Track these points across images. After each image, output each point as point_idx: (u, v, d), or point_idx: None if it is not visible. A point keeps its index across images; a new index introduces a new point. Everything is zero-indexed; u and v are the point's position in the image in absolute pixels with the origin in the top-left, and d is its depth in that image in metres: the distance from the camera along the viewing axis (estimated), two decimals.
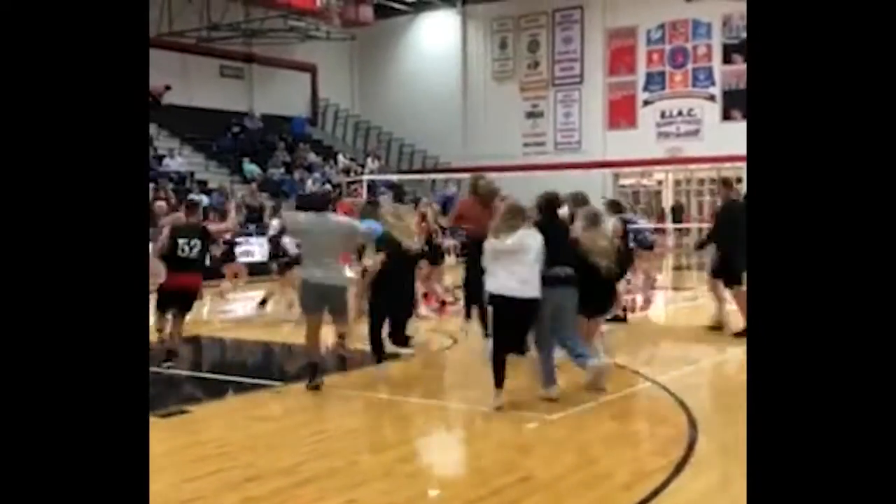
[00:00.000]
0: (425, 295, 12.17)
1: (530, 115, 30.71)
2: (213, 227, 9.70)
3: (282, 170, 26.11)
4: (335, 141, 31.42)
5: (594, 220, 7.54)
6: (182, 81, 26.13)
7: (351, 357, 7.96)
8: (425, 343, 9.57)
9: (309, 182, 25.80)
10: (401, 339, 8.67)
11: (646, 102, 28.96)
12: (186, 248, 8.38)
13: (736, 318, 10.07)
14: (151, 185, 20.16)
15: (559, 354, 7.09)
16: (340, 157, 28.99)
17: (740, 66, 25.72)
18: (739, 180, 24.86)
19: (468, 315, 9.44)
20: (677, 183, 29.72)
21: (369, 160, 28.79)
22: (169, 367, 8.27)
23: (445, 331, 10.63)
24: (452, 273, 14.17)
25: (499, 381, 6.65)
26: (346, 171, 27.70)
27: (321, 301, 7.28)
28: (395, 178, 27.61)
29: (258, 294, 13.32)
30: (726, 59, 27.35)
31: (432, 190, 28.11)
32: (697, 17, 27.77)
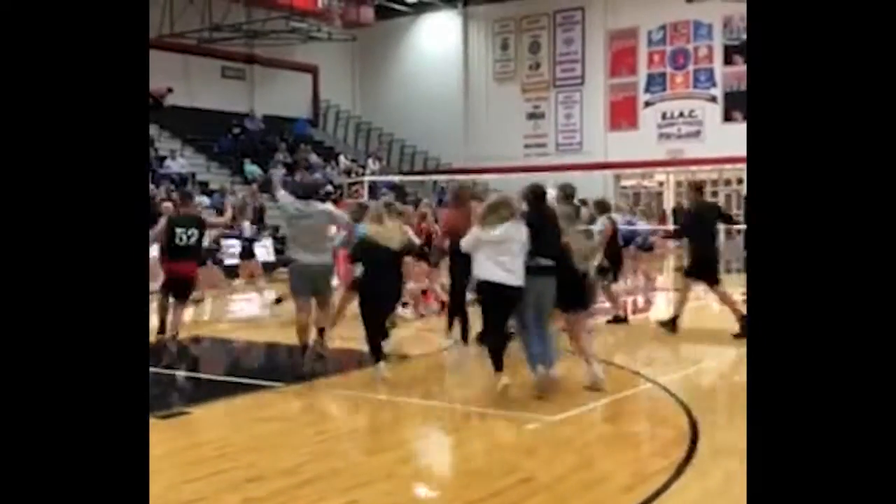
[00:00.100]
0: (424, 293, 12.17)
1: (531, 116, 30.71)
2: (211, 219, 9.89)
3: (283, 171, 26.11)
4: (336, 142, 31.43)
5: (570, 220, 7.63)
6: (183, 82, 26.14)
7: (329, 355, 8.02)
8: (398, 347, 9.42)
9: (322, 189, 25.80)
10: (377, 339, 8.62)
11: (647, 104, 28.95)
12: (184, 237, 8.68)
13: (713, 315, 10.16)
14: (160, 187, 20.18)
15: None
16: (342, 158, 28.99)
17: (741, 68, 25.70)
18: (740, 181, 24.89)
19: (451, 325, 9.21)
20: (678, 184, 29.68)
21: (370, 161, 28.80)
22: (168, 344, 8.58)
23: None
24: None
25: (498, 365, 6.82)
26: (348, 173, 27.70)
27: (310, 283, 7.62)
28: (396, 179, 27.62)
29: (269, 293, 13.33)
30: (727, 61, 27.35)
31: (434, 191, 28.14)
32: (698, 19, 27.76)
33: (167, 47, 24.25)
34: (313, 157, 27.81)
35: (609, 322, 11.28)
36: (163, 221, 9.07)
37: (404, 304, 12.00)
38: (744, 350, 7.25)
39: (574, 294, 7.31)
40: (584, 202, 9.95)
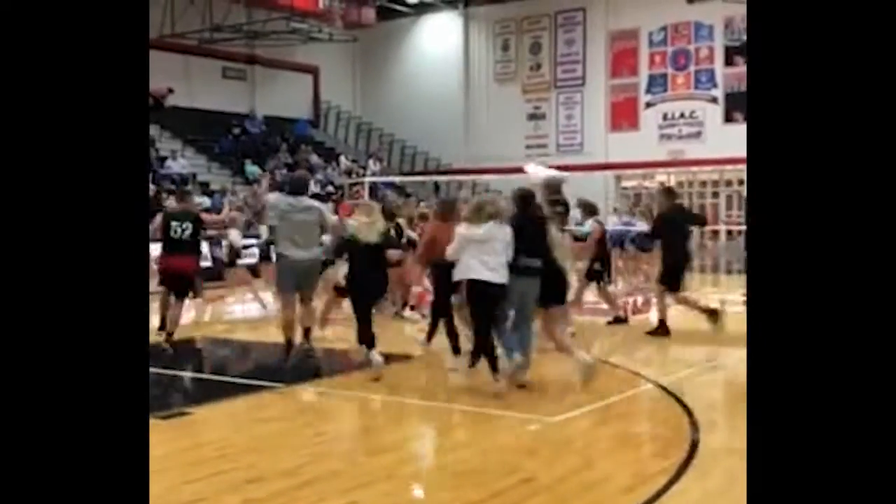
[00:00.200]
0: (421, 294, 12.17)
1: (532, 116, 30.69)
2: (208, 217, 9.96)
3: (284, 171, 26.12)
4: (337, 143, 31.42)
5: (552, 220, 7.78)
6: (184, 83, 26.13)
7: (316, 355, 8.04)
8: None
9: (311, 183, 25.79)
10: (366, 332, 8.62)
11: (648, 104, 28.93)
12: (179, 230, 8.74)
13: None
14: (160, 188, 20.18)
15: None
16: (342, 159, 28.99)
17: (742, 69, 25.67)
18: (741, 182, 24.90)
19: (430, 339, 8.99)
20: (679, 185, 29.63)
21: (371, 162, 28.78)
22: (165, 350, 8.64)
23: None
24: None
25: (494, 366, 7.03)
26: (348, 173, 27.69)
27: (295, 279, 7.67)
28: (396, 179, 27.61)
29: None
30: (728, 62, 27.32)
31: (435, 192, 28.12)
32: (699, 20, 27.74)
33: (168, 48, 24.24)
34: (314, 158, 27.81)
35: (609, 323, 11.29)
36: (159, 217, 9.09)
37: (412, 307, 12.02)
38: (744, 351, 7.25)
39: (552, 289, 7.41)
40: (565, 204, 9.92)
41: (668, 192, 11.35)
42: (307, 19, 26.25)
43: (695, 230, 13.48)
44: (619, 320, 11.39)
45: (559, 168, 16.63)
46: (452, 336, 8.45)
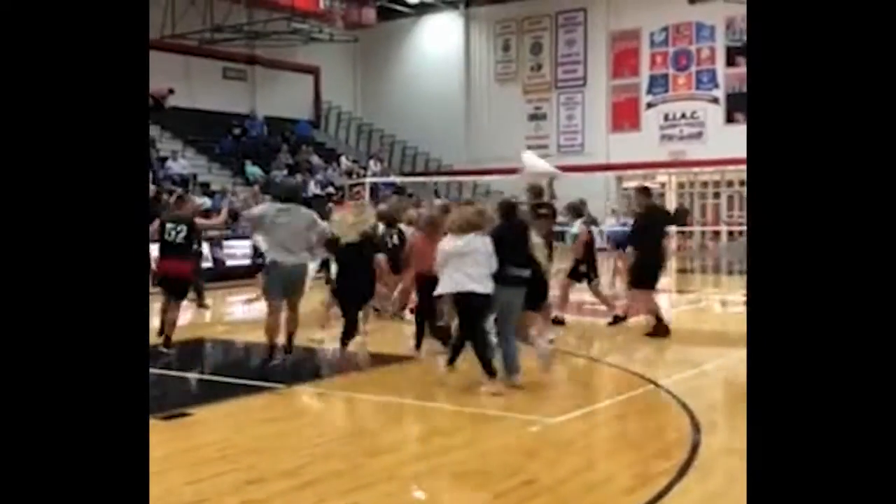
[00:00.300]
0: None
1: (533, 117, 30.71)
2: (203, 221, 10.06)
3: (285, 172, 26.12)
4: (338, 143, 31.43)
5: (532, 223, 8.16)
6: (185, 83, 26.14)
7: (296, 359, 8.11)
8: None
9: (311, 184, 25.80)
10: (350, 329, 8.77)
11: (649, 105, 28.94)
12: (173, 233, 8.89)
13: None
14: (161, 188, 20.18)
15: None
16: (343, 160, 28.99)
17: (744, 69, 25.67)
18: (742, 183, 24.91)
19: (419, 346, 9.00)
20: (681, 186, 29.67)
21: (372, 162, 28.78)
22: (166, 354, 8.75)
23: None
24: None
25: (490, 371, 7.17)
26: (349, 174, 27.69)
27: (283, 284, 7.79)
28: (397, 180, 27.61)
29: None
30: (730, 62, 27.33)
31: (434, 195, 28.11)
32: (701, 20, 27.75)
33: (168, 48, 24.25)
34: (315, 159, 27.82)
35: (610, 324, 11.20)
36: (156, 223, 9.21)
37: (412, 310, 12.01)
38: (745, 352, 7.24)
39: (531, 294, 7.57)
40: (550, 207, 9.98)
41: (643, 191, 11.37)
42: (308, 20, 26.26)
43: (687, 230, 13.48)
44: (619, 319, 11.28)
45: (559, 168, 16.63)
46: (441, 335, 8.60)
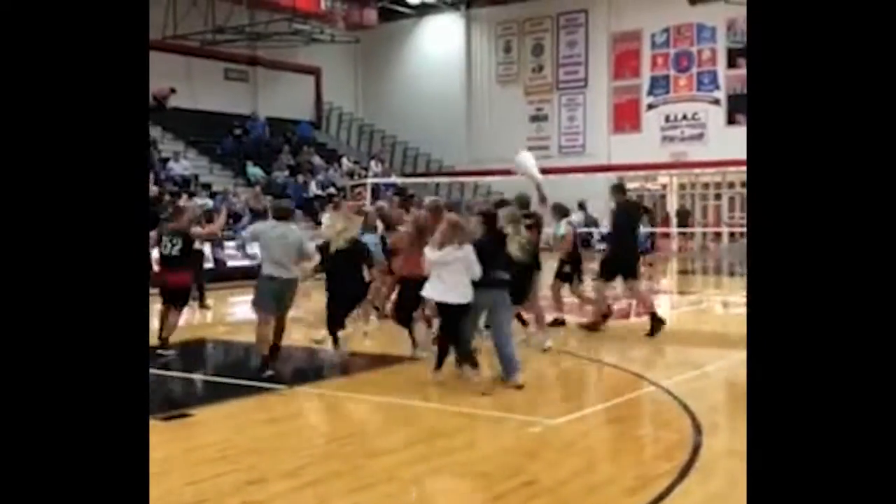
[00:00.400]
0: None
1: (534, 118, 30.71)
2: (199, 230, 10.37)
3: (286, 173, 26.14)
4: (339, 144, 31.43)
5: (513, 221, 8.39)
6: (186, 84, 26.16)
7: (277, 370, 8.19)
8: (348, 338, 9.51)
9: (312, 185, 25.81)
10: (333, 327, 8.96)
11: (650, 106, 28.94)
12: (168, 246, 9.33)
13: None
14: (163, 189, 20.20)
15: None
16: (344, 161, 28.99)
17: (745, 71, 25.64)
18: (744, 184, 24.92)
19: (415, 344, 9.11)
20: (682, 187, 29.68)
21: (373, 163, 28.78)
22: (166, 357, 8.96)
23: None
24: None
25: (473, 363, 7.52)
26: (350, 175, 27.71)
27: (277, 298, 8.24)
28: (398, 181, 27.61)
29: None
30: (731, 64, 27.32)
31: (437, 194, 28.11)
32: (702, 21, 27.75)
33: (170, 49, 24.27)
34: (316, 160, 27.82)
35: (582, 326, 10.97)
36: (154, 234, 9.69)
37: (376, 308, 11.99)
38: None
39: (515, 289, 8.04)
40: (535, 217, 10.11)
41: (618, 188, 11.48)
42: (309, 21, 26.26)
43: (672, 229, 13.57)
44: (591, 327, 10.98)
45: (560, 170, 16.64)
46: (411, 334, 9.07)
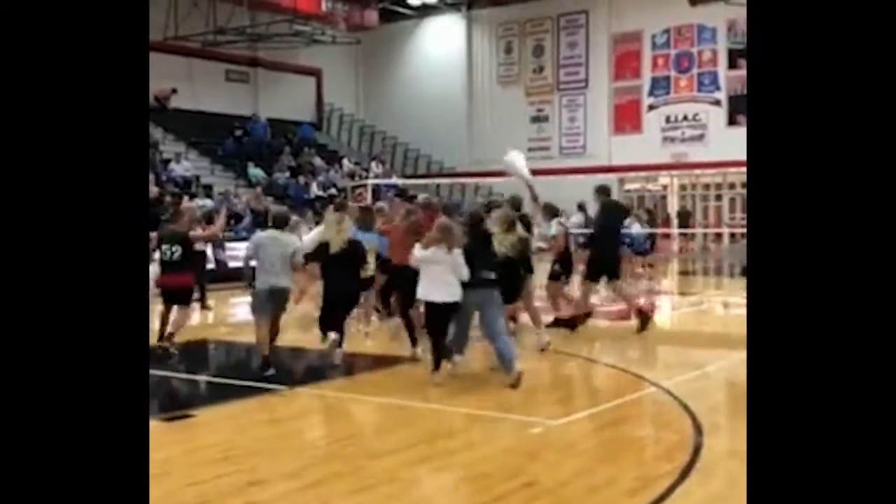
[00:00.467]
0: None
1: (535, 119, 30.71)
2: (198, 233, 10.52)
3: (287, 174, 26.14)
4: (340, 145, 31.43)
5: (506, 223, 8.69)
6: (188, 86, 26.17)
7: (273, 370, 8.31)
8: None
9: (314, 186, 25.81)
10: (336, 326, 8.91)
11: (651, 107, 28.93)
12: (168, 253, 9.55)
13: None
14: (164, 190, 20.20)
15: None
16: (345, 162, 29.00)
17: (745, 72, 25.64)
18: (745, 185, 24.97)
19: (415, 342, 9.08)
20: (682, 188, 29.68)
21: (374, 164, 28.77)
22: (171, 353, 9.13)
23: None
24: None
25: (446, 356, 7.81)
26: (351, 176, 27.71)
27: (270, 304, 8.53)
28: (399, 182, 27.61)
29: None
30: (731, 64, 27.31)
31: (438, 196, 28.12)
32: (703, 22, 27.73)
33: (171, 50, 24.28)
34: (317, 161, 27.83)
35: (553, 324, 10.83)
36: (154, 237, 9.83)
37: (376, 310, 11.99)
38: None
39: (506, 288, 8.21)
40: (525, 219, 10.19)
41: (602, 190, 11.59)
42: (310, 22, 26.27)
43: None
44: (567, 323, 10.95)
45: (560, 171, 16.62)
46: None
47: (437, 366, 7.76)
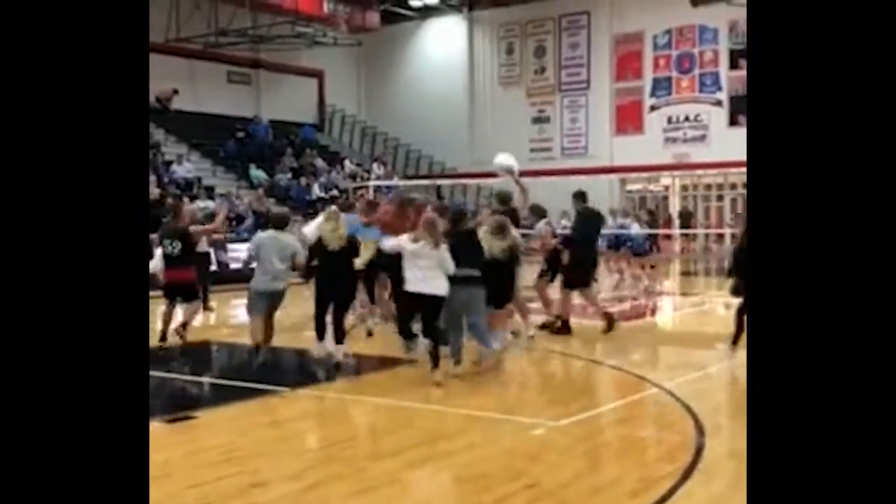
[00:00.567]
0: None
1: (537, 120, 30.71)
2: (198, 228, 10.68)
3: (289, 175, 26.16)
4: (342, 146, 31.45)
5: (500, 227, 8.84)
6: (190, 87, 26.20)
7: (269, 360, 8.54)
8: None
9: (315, 187, 25.82)
10: (336, 326, 8.95)
11: (652, 108, 28.93)
12: (169, 248, 9.83)
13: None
14: (165, 192, 20.21)
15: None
16: (347, 163, 29.02)
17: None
18: (746, 185, 24.84)
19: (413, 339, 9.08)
20: (684, 188, 29.68)
21: (375, 166, 28.79)
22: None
23: None
24: None
25: (435, 363, 7.82)
26: (353, 177, 27.73)
27: (263, 303, 8.71)
28: (401, 183, 27.61)
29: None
30: (733, 65, 27.30)
31: (438, 194, 28.11)
32: (704, 23, 27.74)
33: (173, 52, 24.31)
34: (318, 162, 27.84)
35: (541, 327, 10.89)
36: (155, 236, 10.05)
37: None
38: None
39: (495, 293, 8.46)
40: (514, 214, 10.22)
41: (579, 196, 11.63)
42: (312, 23, 26.29)
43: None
44: (547, 326, 10.99)
45: (562, 172, 16.61)
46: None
47: (435, 364, 7.79)
